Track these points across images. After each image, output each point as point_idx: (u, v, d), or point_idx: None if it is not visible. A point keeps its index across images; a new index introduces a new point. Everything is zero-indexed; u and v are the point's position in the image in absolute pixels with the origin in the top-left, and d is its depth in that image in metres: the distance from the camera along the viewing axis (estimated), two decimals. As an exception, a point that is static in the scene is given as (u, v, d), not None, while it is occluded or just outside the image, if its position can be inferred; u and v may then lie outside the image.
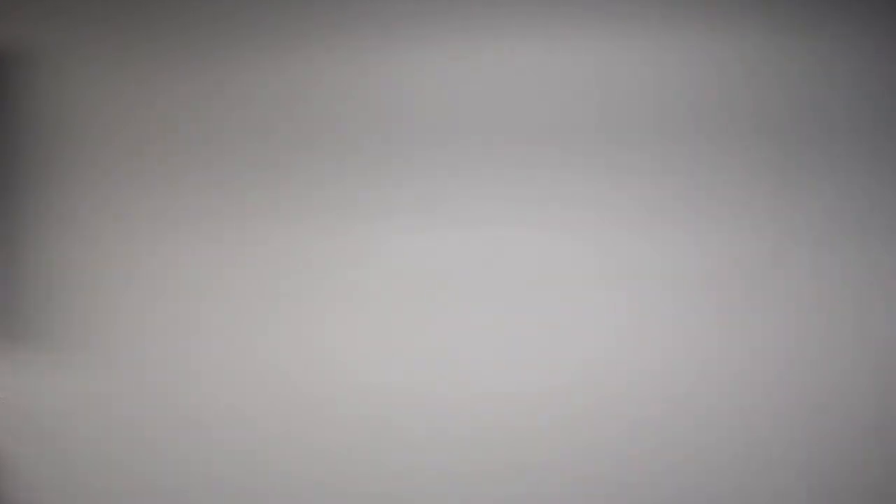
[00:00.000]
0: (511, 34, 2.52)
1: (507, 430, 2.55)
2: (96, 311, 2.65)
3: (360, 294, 2.59)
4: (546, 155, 2.52)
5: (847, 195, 2.43)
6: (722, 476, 2.48)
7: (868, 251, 2.42)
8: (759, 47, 2.43)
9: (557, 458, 2.54)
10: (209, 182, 2.64)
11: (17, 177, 2.66)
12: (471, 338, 2.55)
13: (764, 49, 2.43)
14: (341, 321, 2.60)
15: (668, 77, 2.48)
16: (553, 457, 2.54)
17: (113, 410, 2.66)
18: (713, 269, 2.46)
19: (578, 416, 2.52)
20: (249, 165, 2.62)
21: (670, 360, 2.49)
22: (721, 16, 2.44)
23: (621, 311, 2.50)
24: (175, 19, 2.61)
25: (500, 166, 2.54)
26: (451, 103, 2.55)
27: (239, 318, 2.65)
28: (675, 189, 2.48)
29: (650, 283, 2.49)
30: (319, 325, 2.62)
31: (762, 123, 2.44)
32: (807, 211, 2.43)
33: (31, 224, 2.66)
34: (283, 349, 2.63)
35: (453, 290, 2.56)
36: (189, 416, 2.66)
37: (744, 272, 2.45)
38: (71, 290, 2.66)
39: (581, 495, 2.52)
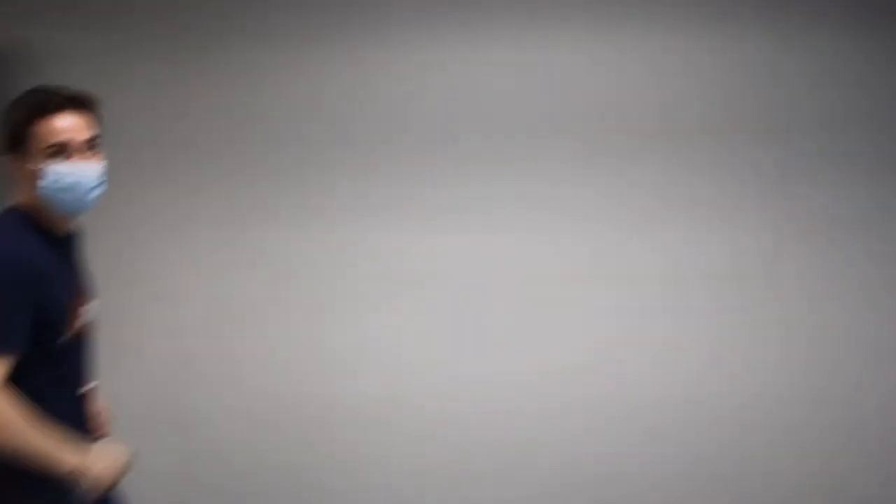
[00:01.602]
0: (510, 38, 2.53)
1: (512, 412, 2.56)
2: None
3: (364, 294, 2.59)
4: (548, 155, 2.52)
5: (846, 195, 2.44)
6: (719, 477, 2.49)
7: (868, 251, 2.43)
8: (758, 49, 2.44)
9: (553, 441, 2.54)
10: (210, 182, 2.64)
11: (17, 177, 2.66)
12: (474, 334, 2.56)
13: (763, 50, 2.44)
14: (340, 317, 2.60)
15: (666, 78, 2.48)
16: (550, 439, 2.54)
17: (113, 410, 2.66)
18: (712, 268, 2.47)
19: (577, 407, 2.53)
20: (252, 166, 2.62)
21: (670, 359, 2.49)
22: (721, 18, 2.45)
23: (622, 309, 2.50)
24: (177, 20, 2.61)
25: (504, 168, 2.55)
26: (452, 108, 2.55)
27: (238, 318, 2.65)
28: (674, 189, 2.49)
29: (649, 283, 2.49)
30: (321, 323, 2.62)
31: (761, 124, 2.45)
32: (806, 211, 2.44)
33: (31, 224, 2.66)
34: (285, 348, 2.63)
35: (465, 289, 2.56)
36: (190, 415, 2.65)
37: (743, 272, 2.46)
38: (71, 290, 2.66)
39: (580, 479, 2.53)
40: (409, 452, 2.61)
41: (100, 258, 2.67)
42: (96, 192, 1.80)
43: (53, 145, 1.73)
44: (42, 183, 1.74)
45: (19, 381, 1.71)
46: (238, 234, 2.65)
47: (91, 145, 1.79)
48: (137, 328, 2.67)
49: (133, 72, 2.63)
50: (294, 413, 2.64)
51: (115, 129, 2.67)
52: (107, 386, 2.67)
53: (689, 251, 2.47)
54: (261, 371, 2.65)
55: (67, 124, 1.74)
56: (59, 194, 1.75)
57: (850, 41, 2.41)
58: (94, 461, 1.69)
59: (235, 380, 2.67)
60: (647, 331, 2.49)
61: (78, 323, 1.81)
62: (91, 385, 1.94)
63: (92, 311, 1.89)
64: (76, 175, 1.75)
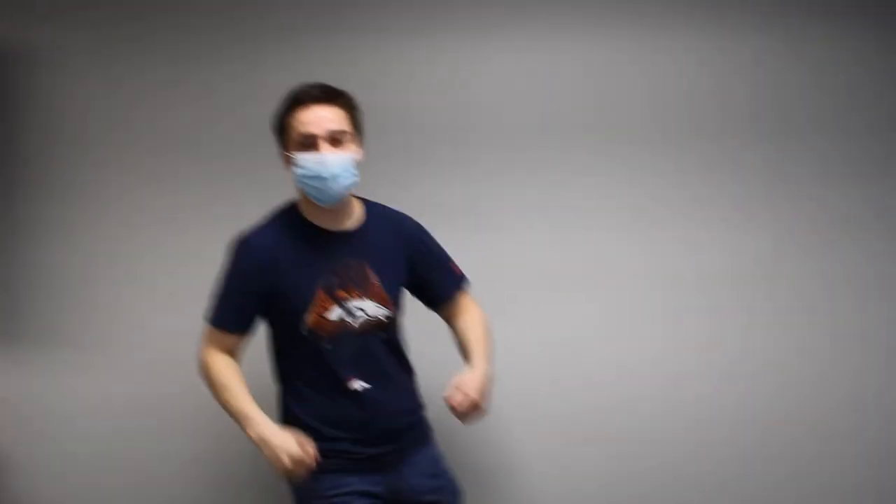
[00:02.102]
0: (509, 37, 2.52)
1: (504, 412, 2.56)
2: (96, 311, 2.64)
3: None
4: (545, 156, 2.52)
5: (845, 196, 2.44)
6: (712, 477, 2.49)
7: (866, 252, 2.43)
8: (757, 48, 2.44)
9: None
10: (210, 181, 2.64)
11: (16, 176, 2.65)
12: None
13: (762, 50, 2.44)
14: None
15: (664, 80, 2.48)
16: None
17: (112, 410, 2.66)
18: (710, 270, 2.47)
19: (571, 407, 2.53)
20: (251, 164, 2.62)
21: (667, 360, 2.50)
22: (720, 17, 2.45)
23: (620, 310, 2.51)
24: (176, 19, 2.61)
25: (500, 169, 2.54)
26: (450, 109, 2.55)
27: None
28: (671, 191, 2.49)
29: (646, 283, 2.49)
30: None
31: (759, 125, 2.45)
32: (805, 212, 2.44)
33: (32, 223, 2.66)
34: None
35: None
36: (189, 414, 2.65)
37: (741, 273, 2.46)
38: (71, 290, 2.65)
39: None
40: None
41: (99, 258, 2.68)
42: (342, 182, 1.88)
43: (302, 136, 1.87)
44: (294, 172, 1.89)
45: (282, 366, 1.97)
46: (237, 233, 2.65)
47: (338, 137, 1.88)
48: (136, 328, 2.67)
49: (133, 71, 2.63)
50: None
51: (114, 128, 2.68)
52: (105, 386, 2.68)
53: (687, 252, 2.47)
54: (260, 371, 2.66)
55: (314, 117, 1.87)
56: (308, 183, 1.87)
57: (847, 41, 2.41)
58: (272, 440, 1.80)
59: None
60: (644, 332, 2.49)
61: (324, 315, 1.90)
62: (359, 385, 1.96)
63: (365, 309, 1.94)
64: (320, 165, 1.85)
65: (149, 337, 2.66)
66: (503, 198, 2.53)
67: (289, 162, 1.93)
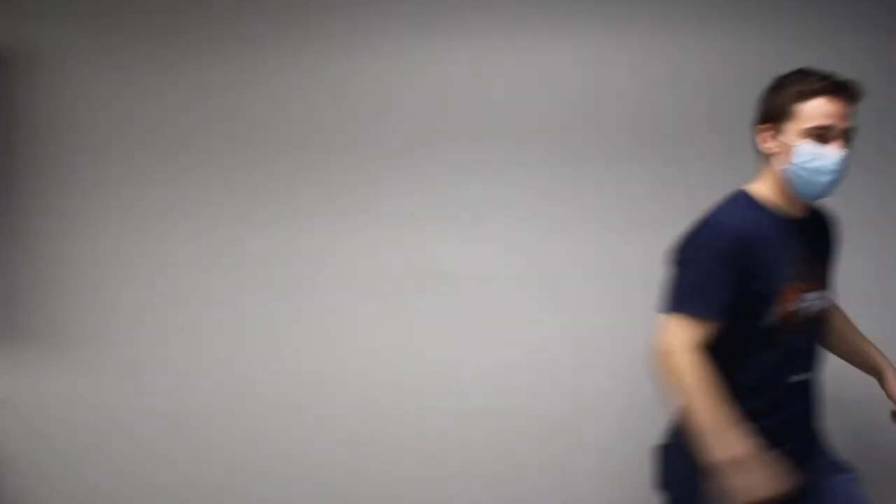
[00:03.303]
0: (504, 38, 2.52)
1: (501, 408, 2.56)
2: (95, 311, 2.65)
3: (358, 292, 2.59)
4: (543, 156, 2.52)
5: (846, 194, 2.42)
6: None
7: (868, 251, 2.41)
8: (754, 48, 2.44)
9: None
10: (208, 181, 2.65)
11: (17, 176, 2.67)
12: (459, 329, 2.55)
13: (759, 50, 2.43)
14: (339, 318, 2.60)
15: (665, 78, 2.47)
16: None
17: (111, 409, 2.67)
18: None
19: (565, 408, 2.52)
20: (248, 165, 2.63)
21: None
22: (717, 17, 2.44)
23: (620, 307, 2.50)
24: (174, 20, 2.62)
25: (493, 167, 2.54)
26: (445, 105, 2.55)
27: (236, 318, 2.65)
28: (671, 190, 2.48)
29: (646, 283, 2.48)
30: (316, 323, 2.62)
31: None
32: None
33: (31, 224, 2.67)
34: (280, 348, 2.63)
35: (450, 285, 2.56)
36: (187, 414, 2.66)
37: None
38: (70, 289, 2.67)
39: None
40: (408, 448, 2.61)
41: (97, 258, 2.69)
42: (832, 183, 1.80)
43: (816, 127, 1.77)
44: (789, 160, 1.79)
45: (719, 357, 1.79)
46: (236, 234, 2.66)
47: (846, 136, 1.80)
48: (135, 327, 2.68)
49: (132, 72, 2.64)
50: (291, 412, 2.64)
51: (113, 129, 2.69)
52: (103, 386, 2.68)
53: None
54: (258, 371, 2.66)
55: (834, 109, 1.78)
56: (800, 174, 1.78)
57: (850, 39, 2.39)
58: (746, 468, 1.67)
59: (233, 379, 2.67)
60: (642, 332, 2.48)
61: (790, 306, 1.81)
62: (806, 376, 1.88)
63: (817, 300, 1.85)
64: (822, 160, 1.77)
65: (149, 337, 2.66)
66: (499, 199, 2.53)
67: (776, 146, 1.83)
